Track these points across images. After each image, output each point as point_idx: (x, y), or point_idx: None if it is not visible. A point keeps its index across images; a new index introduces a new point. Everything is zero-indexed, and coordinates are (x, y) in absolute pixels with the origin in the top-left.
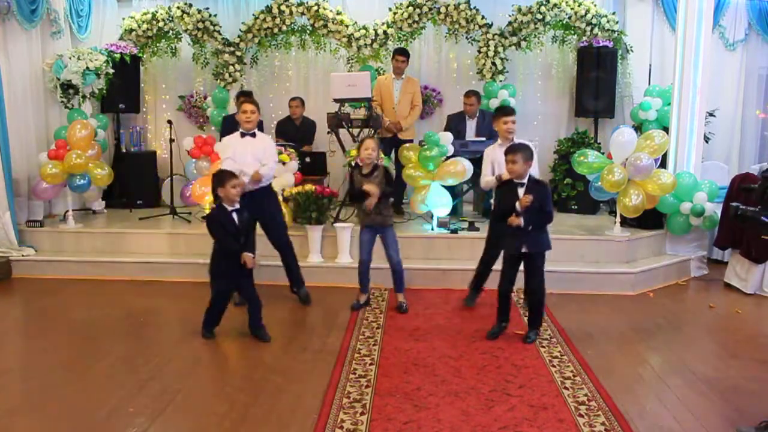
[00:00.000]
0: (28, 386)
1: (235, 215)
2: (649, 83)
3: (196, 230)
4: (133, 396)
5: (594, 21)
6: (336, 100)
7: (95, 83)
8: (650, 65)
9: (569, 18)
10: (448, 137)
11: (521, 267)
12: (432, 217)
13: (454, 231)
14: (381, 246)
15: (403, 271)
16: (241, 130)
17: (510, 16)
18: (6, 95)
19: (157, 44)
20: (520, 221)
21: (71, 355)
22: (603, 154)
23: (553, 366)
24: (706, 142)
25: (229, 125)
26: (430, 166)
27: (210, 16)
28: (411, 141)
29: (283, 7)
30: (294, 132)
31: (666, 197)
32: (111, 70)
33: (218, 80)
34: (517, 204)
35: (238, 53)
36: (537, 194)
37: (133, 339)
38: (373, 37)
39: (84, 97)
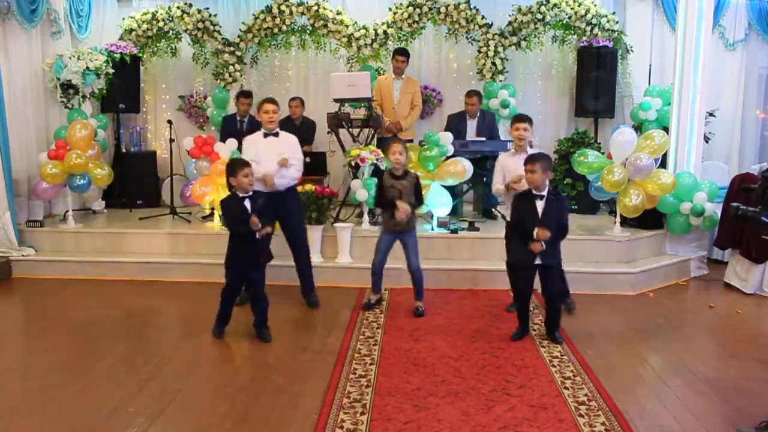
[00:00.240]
0: (28, 386)
1: (247, 202)
2: (649, 83)
3: (196, 230)
4: (133, 396)
5: (594, 21)
6: (336, 100)
7: (95, 83)
8: (650, 65)
9: (569, 18)
10: (448, 137)
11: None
12: (432, 217)
13: (454, 231)
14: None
15: (422, 278)
16: (263, 130)
17: (510, 16)
18: (6, 95)
19: (157, 44)
20: (542, 247)
21: (71, 355)
22: (603, 154)
23: (553, 366)
24: (706, 142)
25: (228, 125)
26: (430, 166)
27: (210, 16)
28: (411, 141)
29: (283, 7)
30: (294, 132)
31: (666, 197)
32: (111, 70)
33: (218, 80)
34: (535, 233)
35: (238, 53)
36: (556, 209)
37: (133, 339)
38: (373, 37)
39: (84, 97)
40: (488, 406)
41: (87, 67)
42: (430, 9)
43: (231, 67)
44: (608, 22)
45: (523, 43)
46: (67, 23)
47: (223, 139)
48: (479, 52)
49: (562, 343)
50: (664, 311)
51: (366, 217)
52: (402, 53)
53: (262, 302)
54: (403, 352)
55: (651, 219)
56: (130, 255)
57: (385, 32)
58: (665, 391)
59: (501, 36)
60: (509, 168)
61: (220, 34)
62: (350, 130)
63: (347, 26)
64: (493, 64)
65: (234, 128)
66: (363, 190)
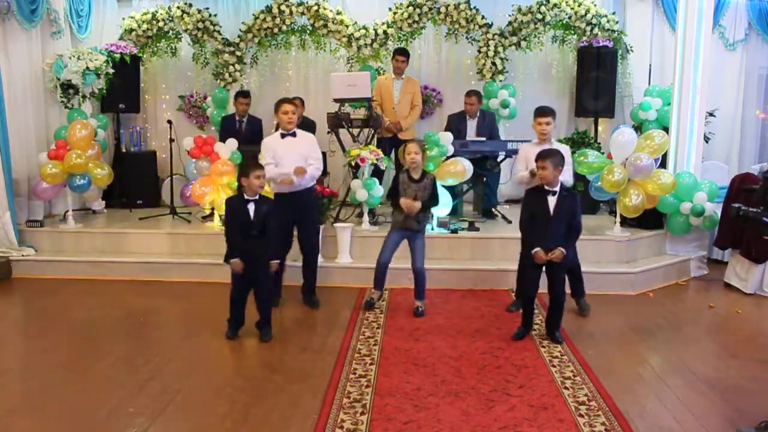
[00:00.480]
0: (28, 386)
1: (252, 206)
2: (649, 83)
3: (196, 230)
4: (133, 396)
5: (594, 21)
6: (336, 100)
7: (95, 83)
8: (650, 65)
9: (569, 18)
10: (448, 137)
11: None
12: (432, 217)
13: (454, 231)
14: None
15: (425, 279)
16: (281, 131)
17: (510, 16)
18: (6, 95)
19: (157, 44)
20: (545, 257)
21: (71, 355)
22: (603, 154)
23: (553, 366)
24: (706, 142)
25: (228, 125)
26: (430, 166)
27: (210, 16)
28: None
29: (283, 7)
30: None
31: (666, 197)
32: (111, 70)
33: (218, 80)
34: (550, 255)
35: (238, 53)
36: (568, 205)
37: (133, 339)
38: (373, 37)
39: (84, 97)
40: (488, 406)
41: (87, 67)
42: (430, 9)
43: (231, 67)
44: (608, 22)
45: (523, 43)
46: (67, 23)
47: (222, 140)
48: (479, 52)
49: (562, 343)
50: (664, 311)
51: (366, 217)
52: (402, 53)
53: (263, 300)
54: (403, 352)
55: (651, 219)
56: (130, 255)
57: (385, 32)
58: (665, 391)
59: (501, 36)
60: (531, 158)
61: (220, 34)
62: (350, 130)
63: (347, 26)
64: (493, 64)
65: (233, 128)
66: (363, 190)
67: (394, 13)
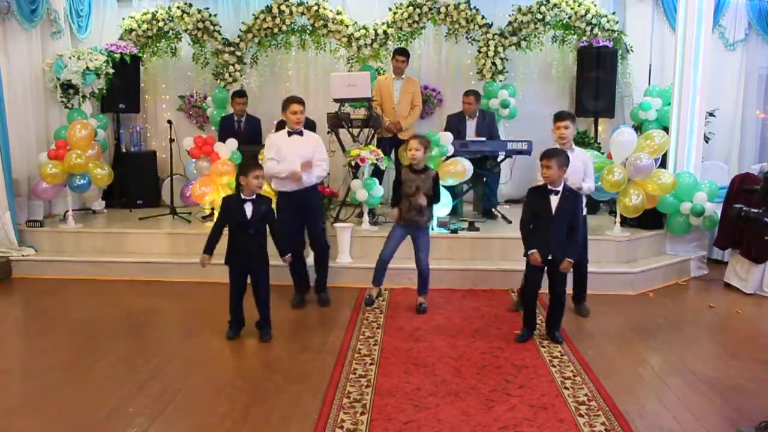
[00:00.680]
0: (28, 386)
1: (249, 205)
2: (649, 83)
3: (196, 230)
4: (133, 396)
5: (594, 21)
6: (336, 100)
7: (95, 83)
8: (650, 65)
9: (569, 18)
10: (448, 137)
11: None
12: (432, 217)
13: (454, 231)
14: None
15: (428, 276)
16: (288, 129)
17: (510, 16)
18: (6, 95)
19: (157, 44)
20: (540, 260)
21: (71, 355)
22: (603, 154)
23: (553, 366)
24: (706, 142)
25: (226, 125)
26: (430, 163)
27: (210, 16)
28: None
29: (283, 7)
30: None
31: (666, 197)
32: (111, 70)
33: (218, 80)
34: (561, 267)
35: (238, 53)
36: (570, 205)
37: (133, 339)
38: (373, 37)
39: (84, 97)
40: (488, 406)
41: (87, 67)
42: (430, 9)
43: (231, 67)
44: (608, 22)
45: (523, 43)
46: (67, 23)
47: (221, 140)
48: (479, 52)
49: (562, 343)
50: (664, 311)
51: (366, 217)
52: (402, 53)
53: (262, 298)
54: (403, 352)
55: (651, 219)
56: (130, 255)
57: (385, 32)
58: (665, 391)
59: (501, 36)
60: None
61: (220, 34)
62: (350, 130)
63: (347, 26)
64: (493, 64)
65: (232, 128)
66: (363, 190)
67: (394, 13)
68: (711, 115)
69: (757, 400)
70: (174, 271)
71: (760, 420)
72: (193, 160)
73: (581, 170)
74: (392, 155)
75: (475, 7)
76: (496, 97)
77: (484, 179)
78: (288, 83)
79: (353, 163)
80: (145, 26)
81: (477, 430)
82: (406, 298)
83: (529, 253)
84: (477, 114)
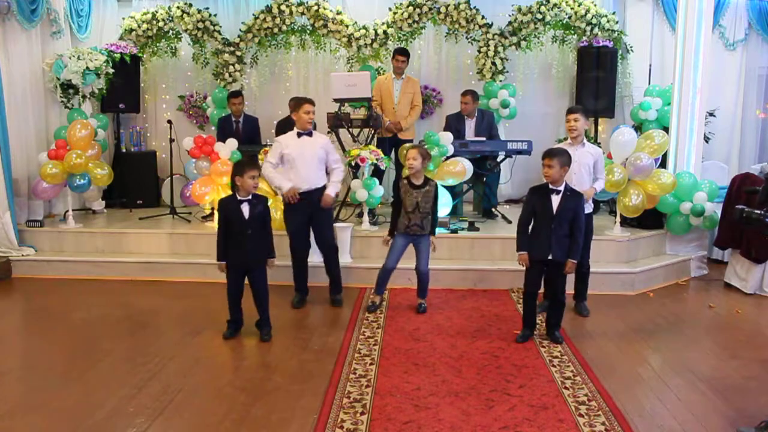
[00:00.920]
0: (28, 386)
1: (246, 206)
2: (649, 83)
3: (196, 230)
4: (133, 396)
5: (594, 21)
6: (336, 100)
7: (95, 83)
8: (650, 65)
9: (569, 18)
10: (448, 137)
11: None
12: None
13: (454, 231)
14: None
15: (428, 281)
16: (297, 130)
17: (510, 16)
18: (6, 95)
19: (157, 44)
20: (527, 263)
21: (71, 355)
22: (603, 154)
23: (553, 366)
24: (706, 142)
25: (224, 126)
26: (430, 166)
27: (210, 16)
28: (411, 141)
29: (283, 7)
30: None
31: (666, 197)
32: (111, 70)
33: (218, 80)
34: (566, 270)
35: (238, 53)
36: (572, 204)
37: (133, 339)
38: (373, 37)
39: (84, 97)
40: (488, 406)
41: (87, 67)
42: (430, 9)
43: (231, 67)
44: (608, 22)
45: (523, 43)
46: (67, 23)
47: (220, 141)
48: (479, 52)
49: (562, 343)
50: (664, 311)
51: (366, 217)
52: (402, 53)
53: (260, 297)
54: (403, 352)
55: (651, 219)
56: (130, 255)
57: (385, 32)
58: (665, 391)
59: (501, 36)
60: None
61: (220, 34)
62: (350, 130)
63: (347, 26)
64: (493, 64)
65: (230, 129)
66: (363, 190)
67: (394, 13)
68: (711, 115)
69: (757, 400)
70: (174, 271)
71: (760, 420)
72: (193, 160)
73: (591, 165)
74: (392, 155)
75: (475, 7)
76: (496, 97)
77: (484, 179)
78: (288, 83)
79: (353, 163)
80: (145, 26)
81: (477, 430)
82: (406, 298)
83: (519, 254)
84: (476, 114)
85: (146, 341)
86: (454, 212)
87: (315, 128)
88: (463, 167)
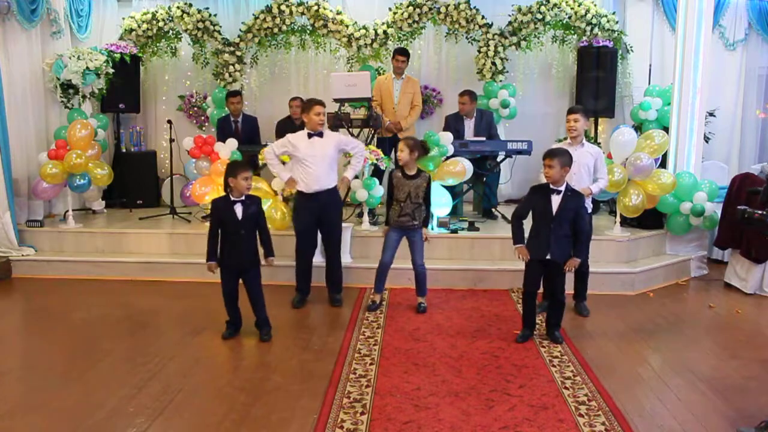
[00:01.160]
0: (28, 386)
1: (239, 207)
2: (649, 83)
3: (196, 230)
4: (133, 396)
5: (594, 21)
6: (336, 100)
7: (95, 83)
8: (650, 65)
9: (569, 18)
10: (448, 137)
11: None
12: (432, 216)
13: (454, 231)
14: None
15: (425, 275)
16: (308, 131)
17: (510, 16)
18: (6, 95)
19: (157, 44)
20: (527, 257)
21: (71, 355)
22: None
23: (553, 366)
24: (706, 142)
25: (224, 126)
26: (430, 166)
27: (210, 16)
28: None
29: (283, 7)
30: (294, 132)
31: (666, 197)
32: (111, 70)
33: (218, 80)
34: (566, 267)
35: (238, 53)
36: (572, 204)
37: (133, 339)
38: (373, 37)
39: (84, 97)
40: (488, 406)
41: (87, 67)
42: (430, 9)
43: (231, 67)
44: (608, 22)
45: (523, 43)
46: (67, 23)
47: (220, 141)
48: (479, 52)
49: (562, 343)
50: (664, 311)
51: (366, 217)
52: (402, 53)
53: (255, 298)
54: (403, 352)
55: (651, 219)
56: (130, 255)
57: (385, 32)
58: (665, 391)
59: (501, 36)
60: None
61: (220, 34)
62: (350, 130)
63: (347, 26)
64: (493, 64)
65: (229, 129)
66: (363, 190)
67: (394, 13)
68: (711, 115)
69: (757, 400)
70: (174, 271)
71: (760, 420)
72: (193, 160)
73: (591, 165)
74: (392, 155)
75: (475, 7)
76: (496, 97)
77: (484, 179)
78: (288, 83)
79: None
80: (145, 26)
81: (477, 430)
82: (406, 298)
83: (516, 247)
84: (474, 114)
85: (146, 341)
86: (454, 212)
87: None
88: (463, 167)
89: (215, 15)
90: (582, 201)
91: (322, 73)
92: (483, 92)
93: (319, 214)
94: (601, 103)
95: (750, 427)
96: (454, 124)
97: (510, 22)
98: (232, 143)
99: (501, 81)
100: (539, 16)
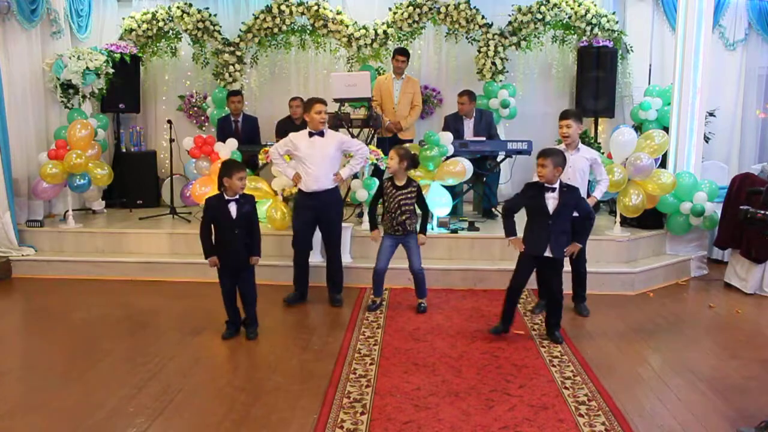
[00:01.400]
0: (28, 386)
1: (233, 206)
2: (649, 83)
3: (196, 230)
4: (133, 396)
5: (594, 21)
6: (336, 100)
7: (95, 83)
8: (650, 65)
9: (569, 18)
10: (448, 137)
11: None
12: (432, 217)
13: (454, 231)
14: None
15: (424, 278)
16: (309, 130)
17: (510, 16)
18: (6, 95)
19: (157, 44)
20: (521, 247)
21: (71, 355)
22: (603, 154)
23: (553, 366)
24: (706, 142)
25: (224, 126)
26: (430, 166)
27: (210, 16)
28: (411, 141)
29: (283, 7)
30: (294, 131)
31: (666, 197)
32: (111, 70)
33: (218, 80)
34: (567, 251)
35: (238, 53)
36: (569, 198)
37: (133, 339)
38: (373, 37)
39: (84, 97)
40: (488, 406)
41: (87, 67)
42: (430, 9)
43: (231, 67)
44: (608, 22)
45: (523, 43)
46: (67, 23)
47: (220, 141)
48: (479, 52)
49: (562, 343)
50: (664, 311)
51: (366, 217)
52: (402, 53)
53: (248, 297)
54: (403, 352)
55: (651, 219)
56: (130, 255)
57: (385, 32)
58: (665, 391)
59: (501, 36)
60: None
61: (220, 34)
62: (350, 130)
63: (347, 26)
64: (493, 64)
65: (229, 129)
66: (363, 190)
67: (394, 13)
68: (711, 115)
69: (757, 400)
70: (174, 271)
71: (760, 420)
72: (193, 160)
73: (586, 170)
74: None
75: (475, 7)
76: (496, 97)
77: (484, 179)
78: (288, 83)
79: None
80: (145, 26)
81: (477, 430)
82: (406, 298)
83: (511, 239)
84: (474, 114)
85: (146, 341)
86: (454, 212)
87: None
88: (463, 167)
89: (215, 15)
90: (578, 192)
91: (322, 73)
92: (483, 92)
93: (317, 213)
94: (601, 103)
95: (750, 427)
96: (453, 124)
97: (510, 22)
98: (232, 143)
99: (501, 81)
100: (539, 16)
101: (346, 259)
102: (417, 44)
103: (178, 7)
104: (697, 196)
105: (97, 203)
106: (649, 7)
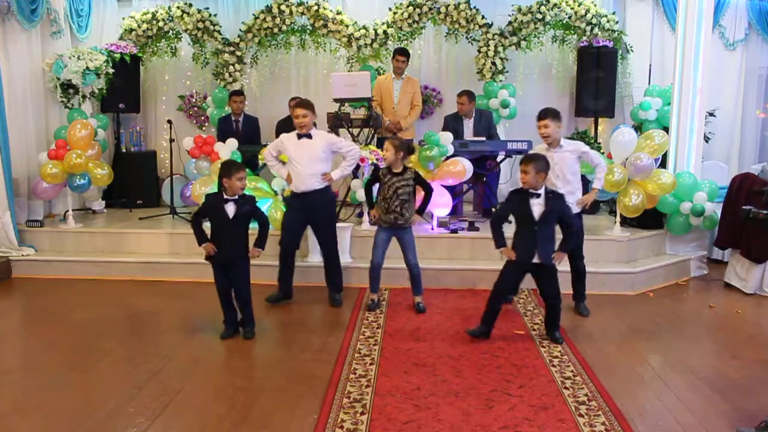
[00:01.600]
0: (28, 386)
1: (231, 205)
2: (649, 83)
3: None
4: (133, 396)
5: (594, 21)
6: (336, 100)
7: (95, 83)
8: (650, 65)
9: (569, 18)
10: (448, 137)
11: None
12: (432, 217)
13: (454, 231)
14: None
15: (420, 274)
16: (296, 131)
17: (510, 16)
18: (6, 95)
19: (157, 44)
20: (513, 255)
21: (71, 355)
22: (603, 153)
23: (553, 366)
24: (706, 142)
25: (224, 126)
26: (430, 166)
27: (210, 16)
28: (411, 141)
29: (283, 7)
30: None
31: (666, 197)
32: (111, 70)
33: (218, 80)
34: (554, 259)
35: (238, 53)
36: (554, 205)
37: (133, 339)
38: (373, 37)
39: (84, 97)
40: (488, 406)
41: (87, 67)
42: (430, 9)
43: (231, 67)
44: (608, 22)
45: (523, 43)
46: (67, 23)
47: (220, 141)
48: (479, 52)
49: (562, 343)
50: (664, 311)
51: (366, 217)
52: (402, 53)
53: (241, 296)
54: (403, 352)
55: (651, 219)
56: (130, 255)
57: (385, 32)
58: (665, 391)
59: (501, 36)
60: None
61: (220, 34)
62: (350, 130)
63: (347, 26)
64: (493, 64)
65: (230, 128)
66: (363, 190)
67: (394, 13)
68: (711, 115)
69: (757, 400)
70: (174, 271)
71: (760, 420)
72: (193, 160)
73: (574, 164)
74: None
75: (475, 7)
76: (496, 97)
77: (484, 179)
78: (288, 83)
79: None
80: (145, 26)
81: (477, 430)
82: (406, 298)
83: (501, 249)
84: (473, 114)
85: (146, 341)
86: (454, 212)
87: (315, 126)
88: (463, 167)
89: (215, 15)
90: (563, 199)
91: (322, 73)
92: (483, 92)
93: (307, 214)
94: (601, 103)
95: (750, 427)
96: (452, 124)
97: (510, 22)
98: (232, 143)
99: (501, 81)
100: (539, 16)
101: (345, 259)
102: (417, 44)
103: (178, 7)
104: (697, 196)
105: (97, 203)
106: (649, 7)
